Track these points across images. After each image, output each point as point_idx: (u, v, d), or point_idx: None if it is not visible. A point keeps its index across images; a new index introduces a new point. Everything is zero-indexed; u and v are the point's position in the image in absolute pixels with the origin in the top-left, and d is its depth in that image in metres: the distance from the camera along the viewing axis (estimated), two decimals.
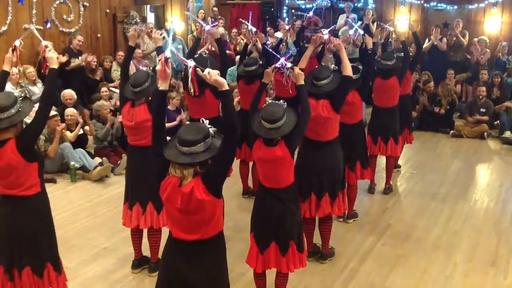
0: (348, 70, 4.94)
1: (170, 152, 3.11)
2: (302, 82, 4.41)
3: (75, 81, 9.31)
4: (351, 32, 6.39)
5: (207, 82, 3.19)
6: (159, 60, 3.25)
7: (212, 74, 3.11)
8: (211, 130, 3.14)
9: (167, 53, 3.21)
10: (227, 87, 3.14)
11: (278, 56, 4.55)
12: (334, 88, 4.96)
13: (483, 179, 8.26)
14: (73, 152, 7.76)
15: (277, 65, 4.45)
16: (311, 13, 8.27)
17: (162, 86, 3.25)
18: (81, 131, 8.24)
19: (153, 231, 5.02)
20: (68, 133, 8.00)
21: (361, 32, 6.23)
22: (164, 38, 5.46)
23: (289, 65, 4.43)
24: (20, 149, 3.69)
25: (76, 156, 7.76)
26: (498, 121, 10.28)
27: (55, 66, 3.93)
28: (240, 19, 8.02)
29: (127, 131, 5.04)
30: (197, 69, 3.19)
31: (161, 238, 5.00)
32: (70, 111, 8.26)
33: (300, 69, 4.57)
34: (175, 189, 3.10)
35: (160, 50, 5.20)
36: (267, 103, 4.24)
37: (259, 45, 6.96)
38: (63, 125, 7.80)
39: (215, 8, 13.31)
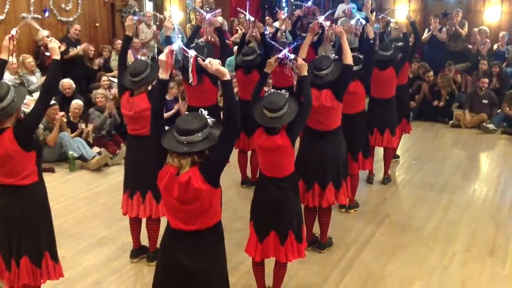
0: (348, 58, 4.93)
1: (168, 141, 3.10)
2: (306, 73, 4.41)
3: (74, 70, 9.25)
4: (353, 22, 6.35)
5: (207, 70, 3.18)
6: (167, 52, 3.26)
7: (213, 64, 3.10)
8: (210, 120, 3.13)
9: (175, 47, 3.22)
10: (228, 77, 3.12)
11: (281, 48, 4.53)
12: (336, 77, 4.97)
13: (482, 169, 8.28)
14: (71, 141, 7.74)
15: (279, 55, 4.43)
16: (309, 3, 8.22)
17: (163, 75, 3.26)
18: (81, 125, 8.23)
19: (152, 220, 5.02)
20: (68, 130, 7.96)
21: (363, 22, 6.18)
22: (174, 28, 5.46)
23: (292, 56, 4.42)
24: (17, 138, 3.67)
25: (75, 145, 7.75)
26: (499, 111, 10.27)
27: (57, 57, 3.90)
28: (238, 9, 7.95)
29: (127, 121, 5.02)
30: (198, 58, 3.18)
31: (160, 227, 5.00)
32: (76, 103, 8.21)
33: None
34: (172, 178, 3.09)
35: (169, 40, 5.21)
36: (266, 93, 4.24)
37: (257, 35, 6.92)
38: (62, 113, 7.77)
39: None
